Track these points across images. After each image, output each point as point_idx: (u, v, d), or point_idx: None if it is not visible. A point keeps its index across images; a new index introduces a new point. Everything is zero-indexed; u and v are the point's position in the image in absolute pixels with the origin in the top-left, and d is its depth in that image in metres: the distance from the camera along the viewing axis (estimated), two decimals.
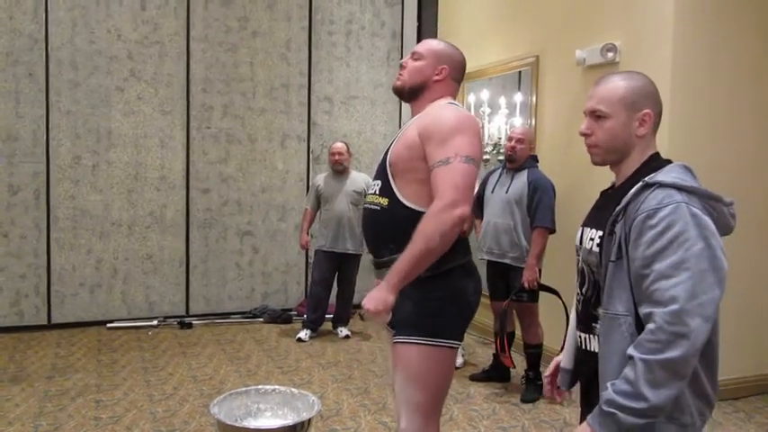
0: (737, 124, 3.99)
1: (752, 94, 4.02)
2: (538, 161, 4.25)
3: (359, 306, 5.94)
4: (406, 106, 6.81)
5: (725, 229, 1.49)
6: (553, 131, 4.73)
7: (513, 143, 4.13)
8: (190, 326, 5.58)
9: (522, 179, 4.12)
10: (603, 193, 1.71)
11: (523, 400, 4.00)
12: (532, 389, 4.05)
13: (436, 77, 2.11)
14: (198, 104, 5.88)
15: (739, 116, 3.99)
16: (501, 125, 5.17)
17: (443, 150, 1.92)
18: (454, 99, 2.15)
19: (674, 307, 1.33)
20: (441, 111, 2.02)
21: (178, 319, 5.70)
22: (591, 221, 1.66)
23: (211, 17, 5.90)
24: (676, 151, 3.79)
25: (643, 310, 1.40)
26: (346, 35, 6.44)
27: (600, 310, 1.54)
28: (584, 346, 1.62)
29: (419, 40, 6.68)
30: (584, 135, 1.62)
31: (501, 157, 4.77)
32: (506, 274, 4.20)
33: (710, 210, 1.44)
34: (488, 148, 5.32)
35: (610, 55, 4.10)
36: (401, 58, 6.58)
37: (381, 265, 2.09)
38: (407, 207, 1.99)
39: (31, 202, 5.40)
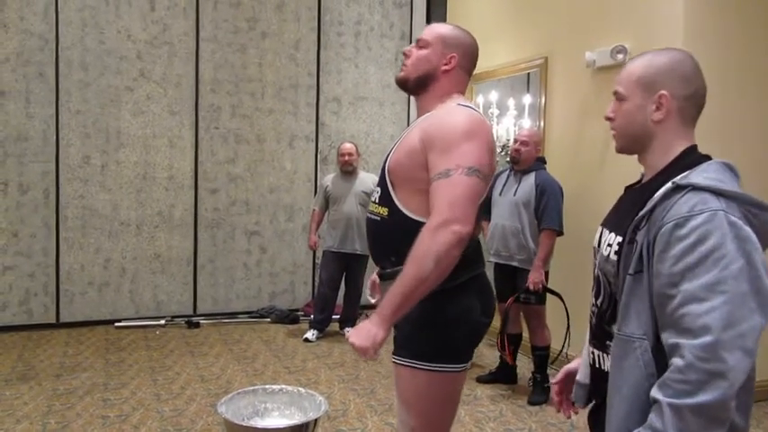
0: (748, 125, 3.96)
1: (763, 94, 4.00)
2: (546, 163, 4.24)
3: (366, 307, 6.00)
4: (414, 107, 6.77)
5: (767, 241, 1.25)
6: (562, 133, 4.72)
7: (517, 145, 4.14)
8: (197, 325, 5.59)
9: (529, 181, 4.12)
10: (628, 189, 1.48)
11: (530, 403, 3.99)
12: (539, 391, 4.04)
13: (444, 67, 1.89)
14: (206, 105, 5.90)
15: (750, 117, 3.97)
16: (509, 127, 5.16)
17: (445, 160, 1.70)
18: (463, 95, 1.93)
19: (707, 339, 1.11)
20: (448, 114, 1.80)
21: (186, 319, 5.71)
22: (610, 223, 1.43)
23: (220, 18, 5.92)
24: None
25: (668, 339, 1.17)
26: (355, 36, 6.44)
27: (614, 328, 1.33)
28: (596, 364, 1.41)
29: None
30: (608, 119, 1.44)
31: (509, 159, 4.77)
32: (513, 277, 4.19)
33: (752, 219, 1.20)
34: (497, 150, 5.31)
35: (620, 57, 4.08)
36: None
37: (386, 277, 1.90)
38: (409, 218, 1.79)
39: (40, 201, 5.43)
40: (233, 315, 5.99)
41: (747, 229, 1.18)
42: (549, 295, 4.06)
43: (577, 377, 1.52)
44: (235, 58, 5.97)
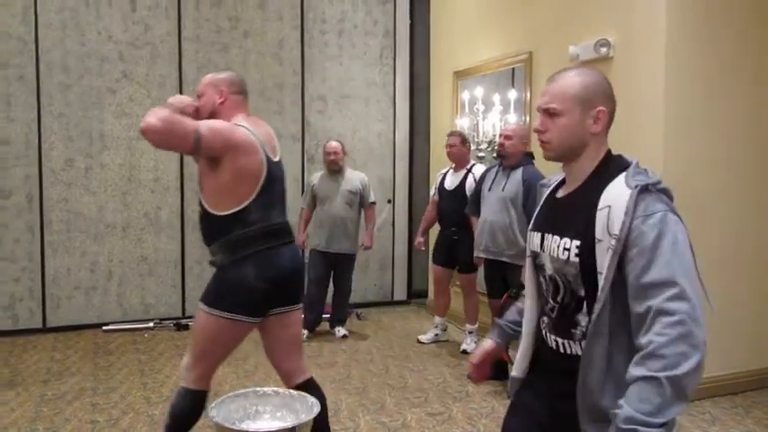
0: (731, 118, 3.99)
1: (745, 89, 4.02)
2: (534, 158, 4.25)
3: (355, 306, 5.96)
4: (400, 104, 6.83)
5: None
6: None
7: (501, 140, 4.17)
8: (186, 327, 5.55)
9: (516, 177, 4.13)
10: (562, 196, 1.67)
11: None
12: None
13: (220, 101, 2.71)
14: None
15: (732, 110, 3.99)
16: (496, 122, 5.16)
17: None
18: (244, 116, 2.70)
19: (682, 317, 1.33)
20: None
21: (174, 321, 5.67)
22: (554, 228, 1.61)
23: (202, 17, 5.87)
24: (671, 146, 3.80)
25: (648, 321, 1.37)
26: (339, 34, 6.42)
27: (579, 317, 1.55)
28: (562, 350, 1.60)
29: (412, 37, 6.68)
30: (538, 132, 1.61)
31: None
32: (503, 272, 4.20)
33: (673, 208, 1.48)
34: (483, 146, 5.31)
35: (603, 50, 4.10)
36: (394, 56, 6.56)
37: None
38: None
39: (24, 205, 5.36)
40: None
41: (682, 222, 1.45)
42: None
43: (514, 373, 1.78)
44: (218, 57, 5.92)
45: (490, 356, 1.91)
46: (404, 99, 6.68)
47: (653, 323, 1.35)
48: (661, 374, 1.31)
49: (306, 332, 5.34)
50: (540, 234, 1.65)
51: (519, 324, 1.82)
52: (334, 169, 5.31)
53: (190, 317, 5.83)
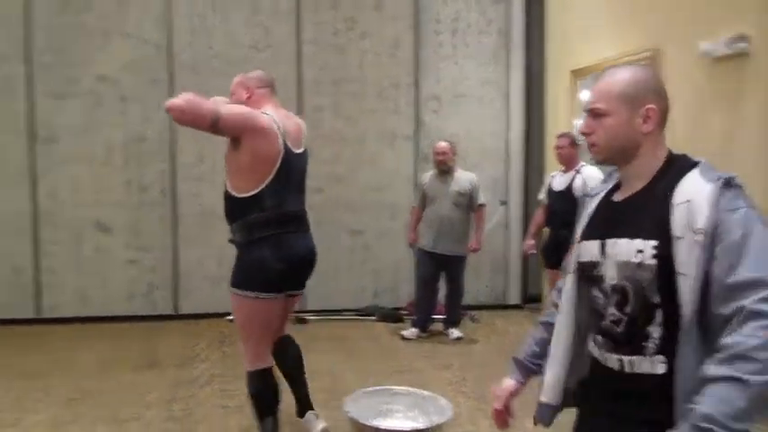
0: None
1: None
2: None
3: (468, 308, 5.94)
4: (514, 104, 6.75)
5: None
6: (676, 128, 4.51)
7: None
8: (305, 321, 5.76)
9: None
10: (621, 200, 1.53)
11: None
12: None
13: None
14: (309, 106, 6.05)
15: None
16: None
17: None
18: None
19: None
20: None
21: (294, 314, 5.89)
22: (617, 231, 1.47)
23: (321, 20, 6.06)
24: None
25: (735, 321, 1.27)
26: (452, 33, 6.42)
27: (659, 328, 1.40)
28: (629, 369, 1.44)
29: (527, 36, 6.56)
30: (584, 134, 1.53)
31: None
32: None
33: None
34: None
35: (741, 45, 3.85)
36: (508, 55, 6.49)
37: None
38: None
39: (158, 199, 5.78)
40: (338, 312, 6.13)
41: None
42: None
43: (544, 399, 1.63)
44: (335, 59, 6.10)
45: (514, 399, 1.74)
46: (518, 98, 6.59)
47: (742, 324, 1.25)
48: (751, 378, 1.21)
49: (417, 331, 5.41)
50: (599, 242, 1.51)
51: (540, 356, 1.70)
52: (443, 169, 5.33)
53: (308, 311, 6.06)
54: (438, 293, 5.54)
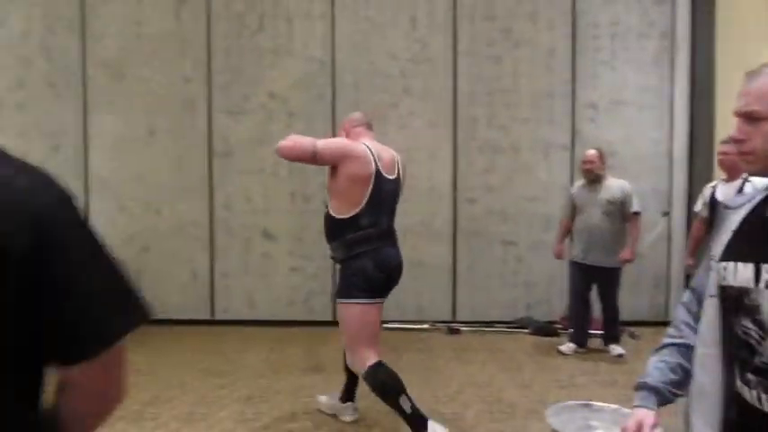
0: None
1: None
2: None
3: (626, 323, 5.69)
4: (678, 110, 6.41)
5: None
6: None
7: None
8: (457, 331, 5.79)
9: None
10: (757, 215, 1.34)
11: None
12: None
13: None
14: (464, 117, 6.10)
15: None
16: None
17: None
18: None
19: None
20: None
21: (446, 324, 5.95)
22: None
23: (476, 31, 6.09)
24: None
25: None
26: (611, 38, 6.22)
27: None
28: None
29: (693, 39, 6.22)
30: (737, 141, 1.33)
31: None
32: None
33: None
34: None
35: None
36: (672, 58, 6.18)
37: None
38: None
39: (319, 209, 6.01)
40: (490, 324, 6.09)
41: None
42: None
43: None
44: (490, 69, 6.10)
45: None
46: (683, 104, 6.25)
47: None
48: None
49: (574, 346, 5.25)
50: (752, 265, 1.28)
51: (679, 385, 1.48)
52: (591, 178, 5.16)
53: (460, 321, 6.08)
54: (592, 307, 5.35)
